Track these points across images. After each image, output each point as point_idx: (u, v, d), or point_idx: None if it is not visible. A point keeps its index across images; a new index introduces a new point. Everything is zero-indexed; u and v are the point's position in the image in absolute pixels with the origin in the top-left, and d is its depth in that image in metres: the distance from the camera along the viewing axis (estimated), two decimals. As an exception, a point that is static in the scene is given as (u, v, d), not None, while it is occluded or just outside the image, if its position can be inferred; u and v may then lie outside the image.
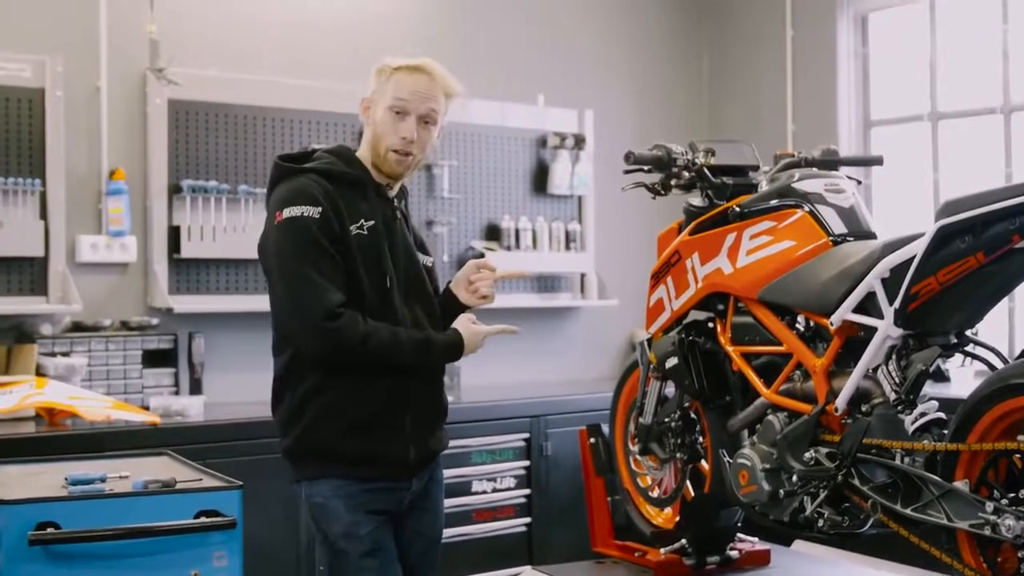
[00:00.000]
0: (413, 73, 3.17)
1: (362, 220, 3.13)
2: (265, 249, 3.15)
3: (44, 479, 3.16)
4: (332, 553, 3.13)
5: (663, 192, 3.63)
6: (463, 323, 3.25)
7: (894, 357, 2.90)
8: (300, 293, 3.02)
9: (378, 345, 3.05)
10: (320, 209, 3.05)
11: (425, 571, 3.34)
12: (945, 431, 2.78)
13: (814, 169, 3.45)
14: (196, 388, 5.38)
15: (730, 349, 3.43)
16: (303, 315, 3.02)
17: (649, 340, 3.74)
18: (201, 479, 3.18)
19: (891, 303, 2.85)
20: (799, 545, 4.40)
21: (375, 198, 3.19)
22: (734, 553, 3.83)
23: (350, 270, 3.08)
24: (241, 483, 3.07)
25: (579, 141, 6.60)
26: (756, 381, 3.32)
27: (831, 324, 3.04)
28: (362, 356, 3.06)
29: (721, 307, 3.49)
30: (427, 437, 3.24)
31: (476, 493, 5.55)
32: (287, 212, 3.06)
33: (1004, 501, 2.61)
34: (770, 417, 3.24)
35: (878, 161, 3.82)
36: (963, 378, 4.85)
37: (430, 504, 3.31)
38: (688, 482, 3.70)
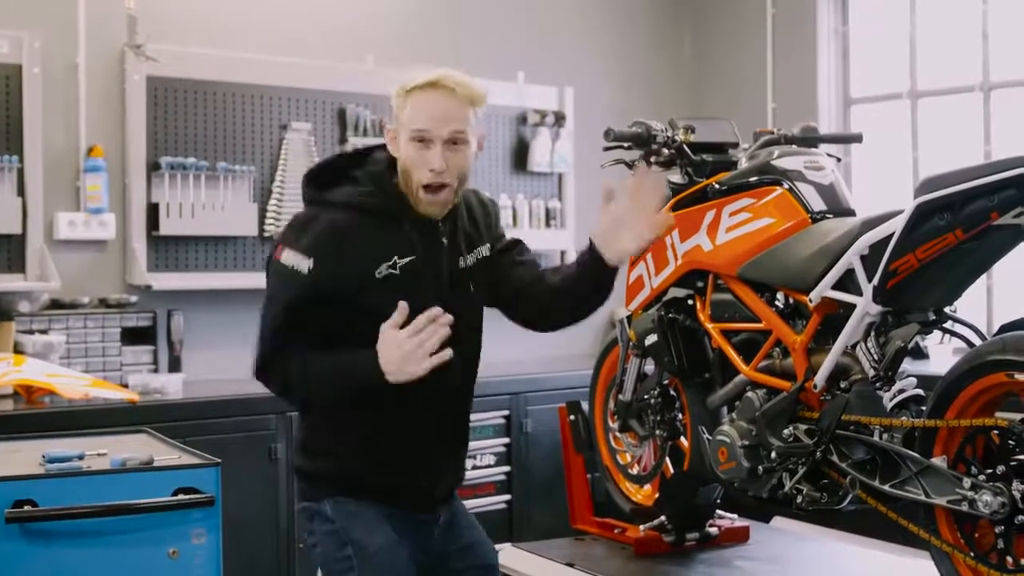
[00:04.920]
0: (429, 91, 2.85)
1: (395, 258, 2.87)
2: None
3: (21, 457, 3.15)
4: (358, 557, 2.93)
5: (643, 169, 3.62)
6: (382, 340, 2.81)
7: (873, 334, 2.90)
8: (259, 337, 2.91)
9: (292, 385, 2.89)
10: (311, 263, 2.81)
11: None
12: (923, 408, 2.79)
13: (793, 146, 3.44)
14: (175, 366, 5.37)
15: (709, 326, 3.42)
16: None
17: (629, 317, 3.73)
18: (179, 456, 3.17)
19: (870, 280, 2.85)
20: (778, 522, 4.42)
21: (411, 230, 2.91)
22: (713, 530, 3.85)
23: (371, 315, 2.80)
24: (219, 460, 3.06)
25: (559, 118, 6.58)
26: (735, 358, 3.32)
27: (810, 301, 3.04)
28: (290, 396, 2.98)
29: (701, 284, 3.47)
30: (444, 468, 3.11)
31: (456, 470, 5.54)
32: (283, 255, 2.87)
33: (981, 477, 2.62)
34: (749, 394, 3.24)
35: (857, 139, 3.82)
36: (941, 355, 4.87)
37: (462, 534, 3.16)
38: (667, 459, 3.70)
